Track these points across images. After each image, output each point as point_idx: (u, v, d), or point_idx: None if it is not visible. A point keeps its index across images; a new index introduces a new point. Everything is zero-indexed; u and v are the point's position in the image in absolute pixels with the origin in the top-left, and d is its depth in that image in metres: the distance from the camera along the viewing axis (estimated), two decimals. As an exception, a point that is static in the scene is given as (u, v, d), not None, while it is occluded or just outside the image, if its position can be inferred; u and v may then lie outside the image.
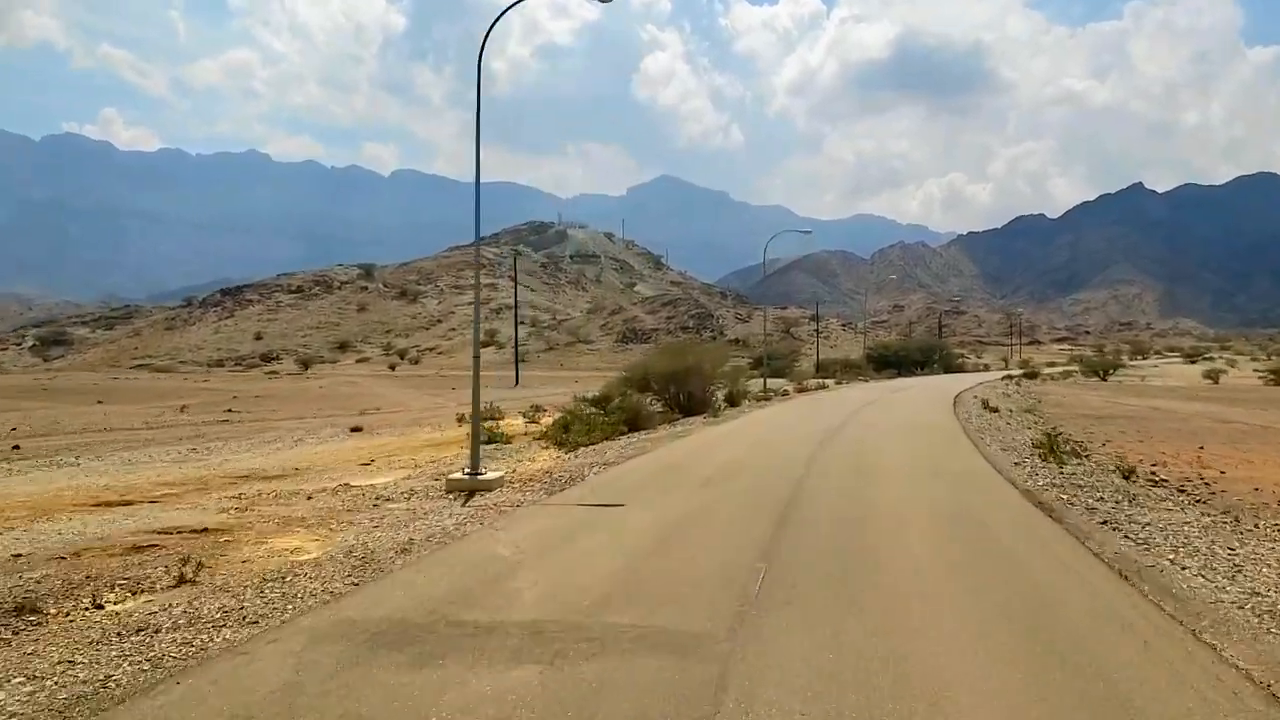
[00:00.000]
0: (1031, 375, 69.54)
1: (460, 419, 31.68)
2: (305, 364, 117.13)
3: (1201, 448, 21.36)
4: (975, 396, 41.64)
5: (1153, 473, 16.06)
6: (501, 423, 32.13)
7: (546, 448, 21.84)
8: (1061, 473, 15.59)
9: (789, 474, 14.71)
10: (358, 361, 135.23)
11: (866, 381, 64.52)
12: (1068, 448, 19.59)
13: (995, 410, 31.66)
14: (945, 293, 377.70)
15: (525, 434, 24.77)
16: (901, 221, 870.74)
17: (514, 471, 16.26)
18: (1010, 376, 68.41)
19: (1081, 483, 14.40)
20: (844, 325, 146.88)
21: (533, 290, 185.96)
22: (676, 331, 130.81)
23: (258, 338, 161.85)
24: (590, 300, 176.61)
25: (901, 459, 17.23)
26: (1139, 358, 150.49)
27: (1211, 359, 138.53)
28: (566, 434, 22.26)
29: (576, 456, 18.71)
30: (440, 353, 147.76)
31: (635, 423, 26.08)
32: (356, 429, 27.37)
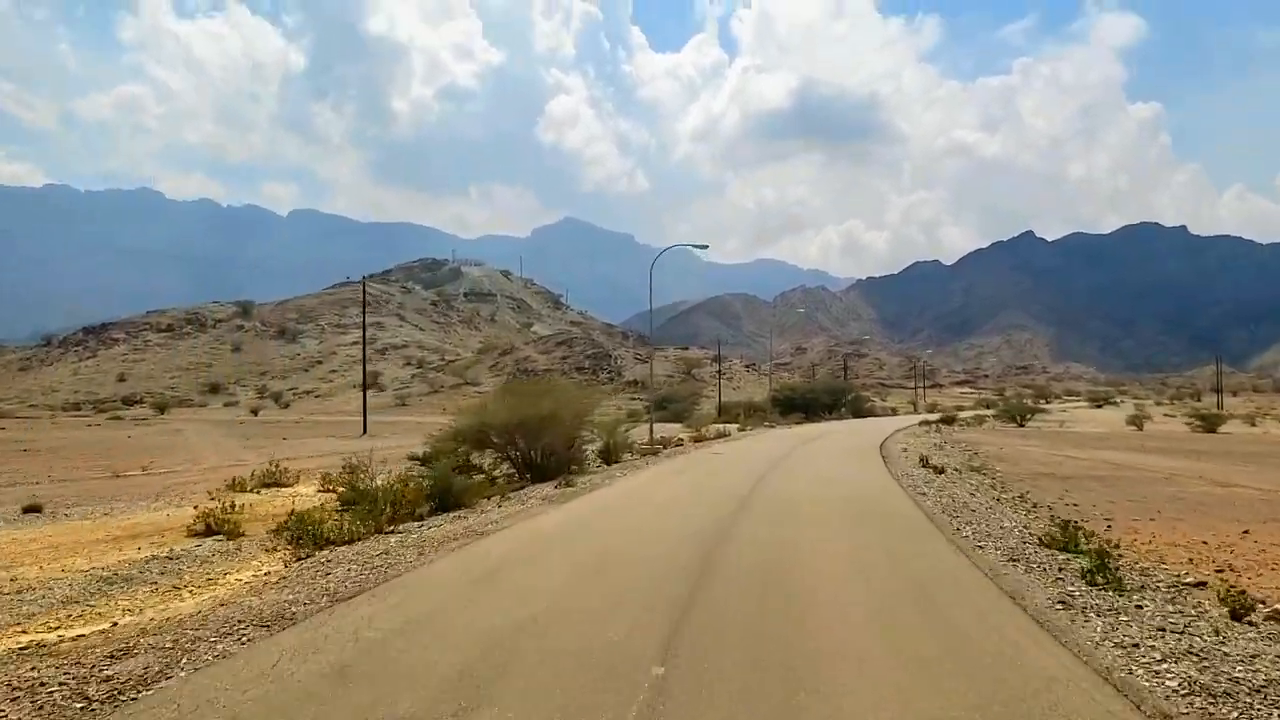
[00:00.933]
0: (948, 420, 63.51)
1: (232, 484, 22.89)
2: (162, 408, 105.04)
3: (1246, 531, 14.68)
4: (904, 449, 34.51)
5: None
6: (285, 491, 23.50)
7: (276, 548, 13.48)
8: (1138, 611, 8.02)
9: (632, 656, 6.67)
10: (225, 405, 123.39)
11: (772, 427, 57.35)
12: (1081, 538, 12.18)
13: (939, 470, 24.33)
14: (845, 336, 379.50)
15: (283, 516, 16.26)
16: (803, 267, 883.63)
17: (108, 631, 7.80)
18: (928, 422, 62.35)
19: (1200, 647, 6.83)
20: (747, 366, 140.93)
21: (421, 329, 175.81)
22: (571, 372, 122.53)
23: (121, 379, 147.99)
24: (483, 340, 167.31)
25: (855, 592, 9.17)
26: (1042, 402, 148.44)
27: (1115, 403, 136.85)
28: (339, 519, 13.78)
29: (285, 583, 10.38)
30: (317, 396, 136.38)
31: (448, 497, 17.81)
32: (33, 509, 18.32)
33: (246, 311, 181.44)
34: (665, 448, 33.86)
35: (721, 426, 55.44)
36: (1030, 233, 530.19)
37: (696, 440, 40.44)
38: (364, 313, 68.97)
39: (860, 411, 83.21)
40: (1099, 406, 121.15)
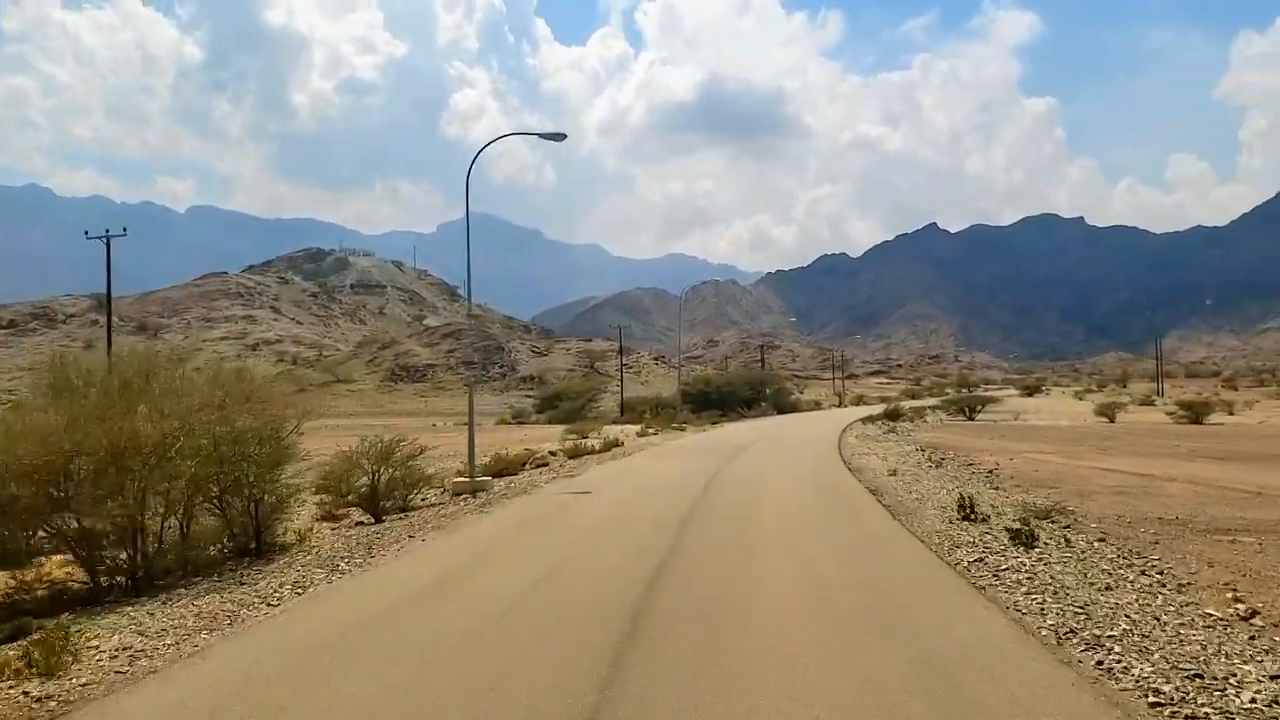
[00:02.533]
0: (894, 415, 52.06)
1: None
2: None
3: None
4: (891, 470, 22.31)
5: None
6: None
7: None
8: None
9: None
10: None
11: (683, 430, 44.83)
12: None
13: (977, 516, 12.08)
14: (757, 329, 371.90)
15: None
16: (712, 261, 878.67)
17: None
18: (871, 419, 50.92)
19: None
20: (657, 359, 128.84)
21: (299, 323, 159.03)
22: (458, 367, 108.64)
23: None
24: (370, 334, 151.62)
25: None
26: (964, 390, 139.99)
27: (1044, 391, 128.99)
28: None
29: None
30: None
31: None
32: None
33: (102, 305, 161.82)
34: (507, 475, 21.03)
35: (619, 431, 42.80)
36: (934, 225, 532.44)
37: (574, 455, 27.60)
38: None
39: (784, 406, 71.67)
40: (1030, 395, 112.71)
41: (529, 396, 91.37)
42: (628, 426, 51.05)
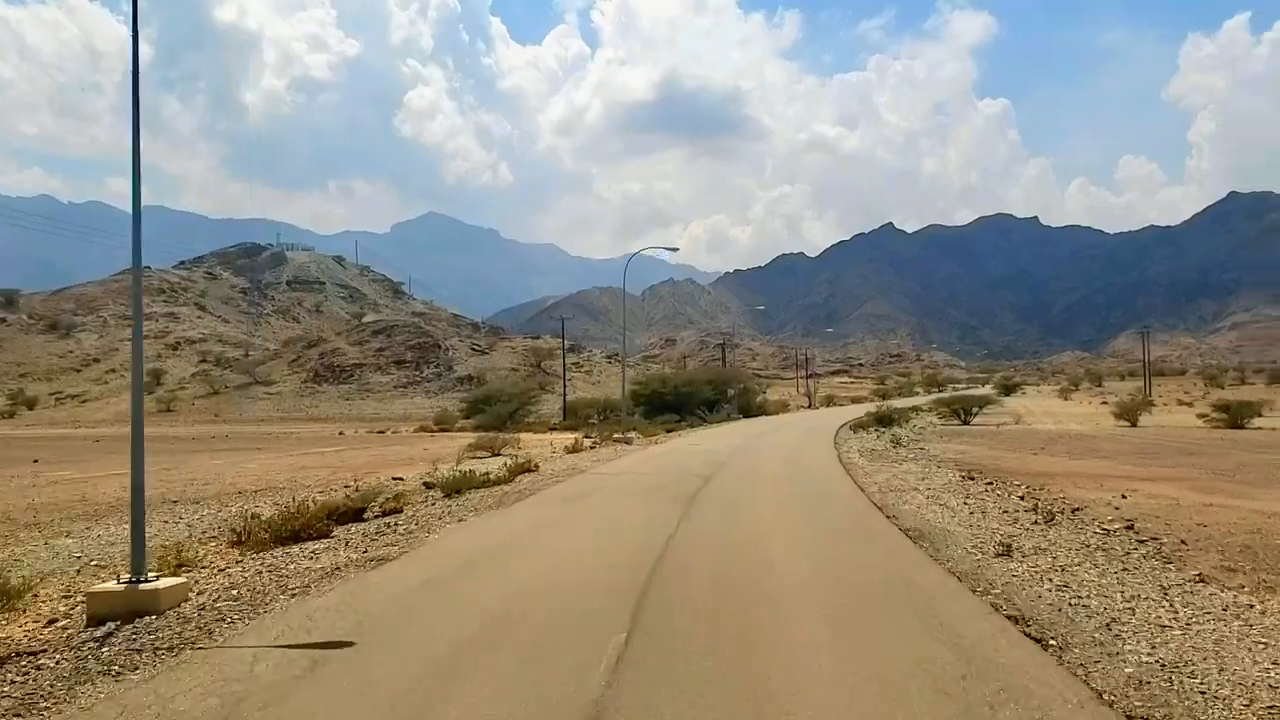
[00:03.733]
0: (886, 421, 42.47)
1: None
2: None
3: None
4: (931, 500, 12.39)
5: None
6: None
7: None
8: None
9: None
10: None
11: (627, 442, 34.57)
12: None
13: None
14: (715, 328, 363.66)
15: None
16: (671, 261, 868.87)
17: None
18: (861, 424, 41.33)
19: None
20: (609, 358, 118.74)
21: (226, 321, 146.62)
22: (388, 367, 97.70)
23: None
24: (304, 332, 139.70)
25: None
26: (935, 390, 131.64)
27: (1022, 391, 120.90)
28: None
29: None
30: (86, 400, 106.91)
31: None
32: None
33: (11, 301, 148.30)
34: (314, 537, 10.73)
35: (547, 443, 32.74)
36: (890, 225, 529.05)
37: (451, 490, 17.42)
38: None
39: (750, 408, 61.97)
40: (1009, 393, 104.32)
41: (455, 398, 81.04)
42: (565, 436, 40.97)
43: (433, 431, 56.71)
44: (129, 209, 9.49)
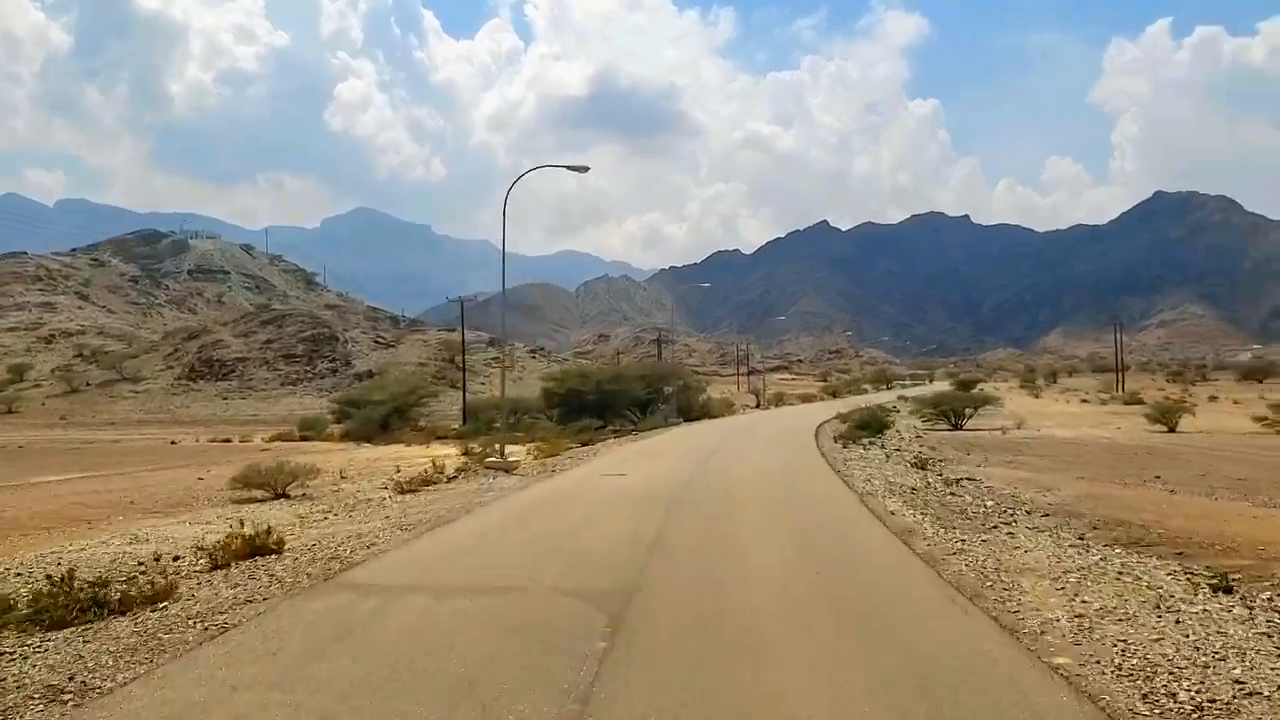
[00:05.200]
0: (876, 426, 31.39)
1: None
2: None
3: None
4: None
5: None
6: None
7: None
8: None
9: None
10: None
11: (506, 470, 22.57)
12: None
13: None
14: (651, 325, 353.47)
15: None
16: (606, 258, 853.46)
17: None
18: (844, 436, 30.16)
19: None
20: (534, 353, 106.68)
21: (110, 311, 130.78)
22: (276, 361, 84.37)
23: None
24: (195, 324, 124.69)
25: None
26: (884, 387, 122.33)
27: (981, 387, 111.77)
28: None
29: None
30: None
31: None
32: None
33: None
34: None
35: (408, 463, 20.86)
36: (825, 222, 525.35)
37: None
38: None
39: (691, 409, 50.57)
40: (966, 389, 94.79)
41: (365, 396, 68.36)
42: (449, 450, 29.22)
43: (293, 439, 44.36)
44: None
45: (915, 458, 21.12)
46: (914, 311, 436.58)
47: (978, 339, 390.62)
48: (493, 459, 20.99)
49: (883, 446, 25.83)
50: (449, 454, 27.54)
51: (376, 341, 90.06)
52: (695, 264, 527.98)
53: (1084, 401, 68.89)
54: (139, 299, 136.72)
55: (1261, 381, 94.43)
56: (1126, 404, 65.03)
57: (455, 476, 20.54)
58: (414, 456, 28.92)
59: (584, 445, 30.02)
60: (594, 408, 40.67)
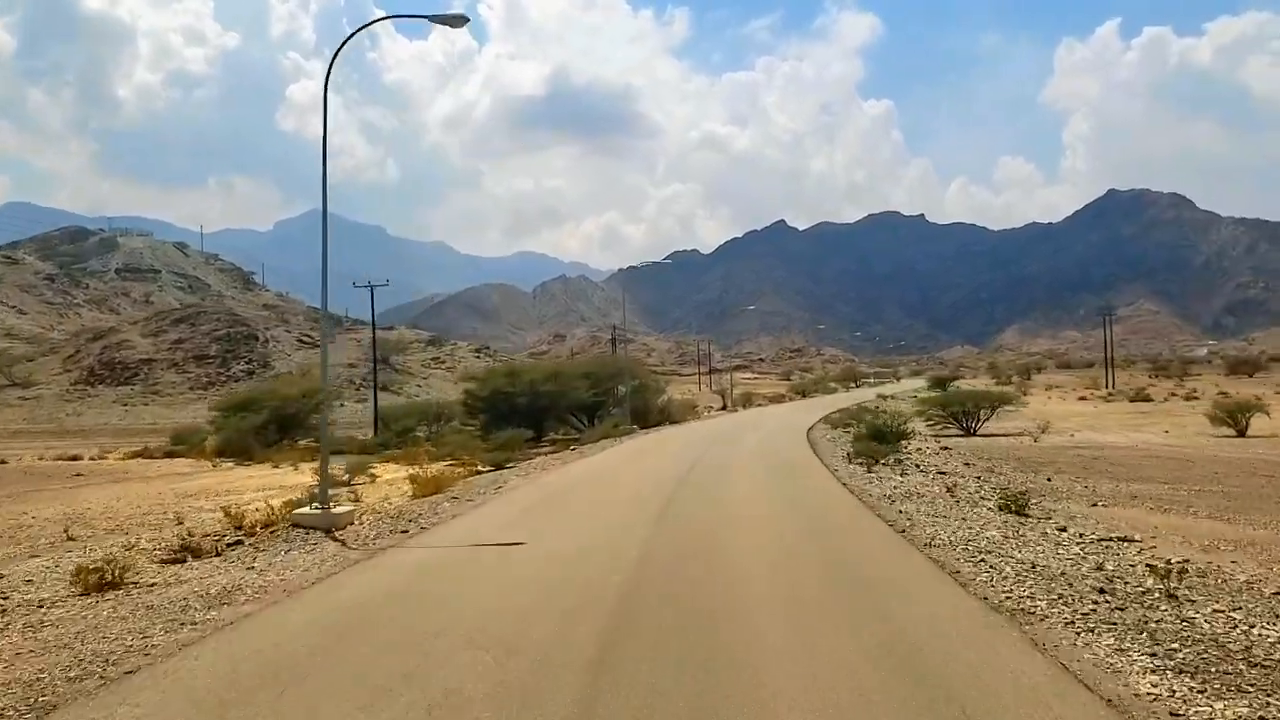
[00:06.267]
0: (896, 436, 23.37)
1: None
2: None
3: None
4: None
5: None
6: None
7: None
8: None
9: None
10: None
11: (328, 533, 14.47)
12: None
13: None
14: (609, 325, 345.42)
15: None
16: (564, 259, 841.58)
17: None
18: (856, 455, 22.20)
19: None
20: (478, 352, 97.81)
21: (22, 312, 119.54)
22: (186, 363, 74.77)
23: None
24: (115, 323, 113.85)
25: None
26: (851, 385, 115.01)
27: (957, 384, 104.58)
28: None
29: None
30: None
31: None
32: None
33: None
34: None
35: (238, 491, 12.35)
36: (782, 222, 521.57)
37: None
38: None
39: (647, 413, 42.16)
40: (942, 387, 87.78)
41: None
42: (307, 478, 20.75)
43: (158, 455, 35.42)
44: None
45: (1000, 495, 13.03)
46: (871, 310, 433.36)
47: (934, 337, 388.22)
48: (307, 509, 12.52)
49: (920, 468, 17.89)
50: (304, 483, 19.17)
51: (302, 341, 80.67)
52: (653, 263, 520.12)
53: (1082, 399, 61.81)
54: (55, 299, 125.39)
55: (1251, 375, 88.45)
56: (1132, 400, 58.09)
57: (254, 533, 12.12)
58: (268, 485, 20.55)
59: (497, 468, 21.66)
60: (526, 413, 32.32)
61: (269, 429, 37.40)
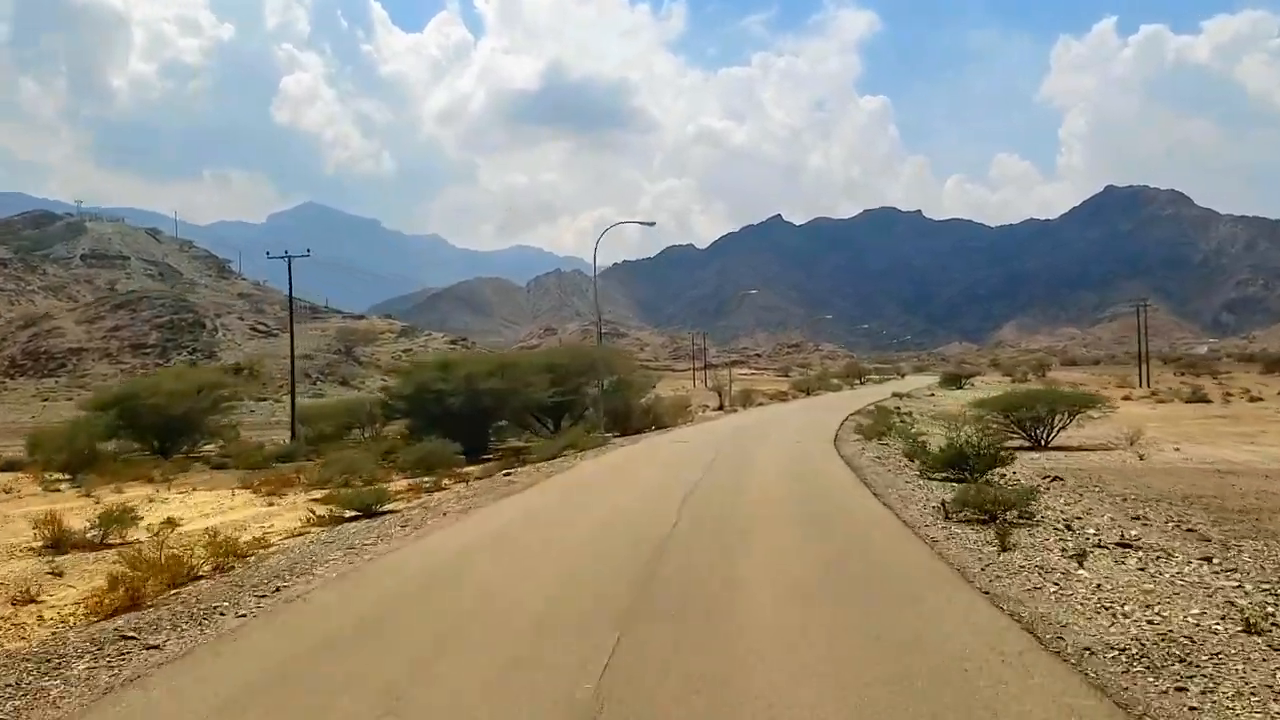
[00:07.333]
0: (982, 461, 15.40)
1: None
2: None
3: None
4: None
5: None
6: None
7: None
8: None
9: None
10: None
11: None
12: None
13: None
14: (603, 319, 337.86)
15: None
16: (559, 253, 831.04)
17: None
18: (978, 507, 14.04)
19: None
20: (454, 344, 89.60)
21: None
22: (121, 352, 66.40)
23: None
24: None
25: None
26: (856, 382, 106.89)
27: (971, 383, 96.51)
28: None
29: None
30: None
31: None
32: None
33: None
34: None
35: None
36: (779, 216, 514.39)
37: None
38: None
39: (628, 414, 33.86)
40: (958, 386, 79.93)
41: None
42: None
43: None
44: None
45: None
46: (868, 305, 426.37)
47: (931, 332, 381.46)
48: None
49: (1069, 528, 9.64)
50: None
51: (255, 330, 72.22)
52: (649, 258, 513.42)
53: (1125, 399, 53.68)
54: (9, 285, 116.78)
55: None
56: (1187, 402, 50.03)
57: None
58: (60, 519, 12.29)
59: (364, 513, 13.32)
60: (464, 417, 24.13)
61: (148, 433, 29.07)
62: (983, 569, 8.24)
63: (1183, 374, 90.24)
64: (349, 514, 13.58)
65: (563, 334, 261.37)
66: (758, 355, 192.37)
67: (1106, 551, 9.10)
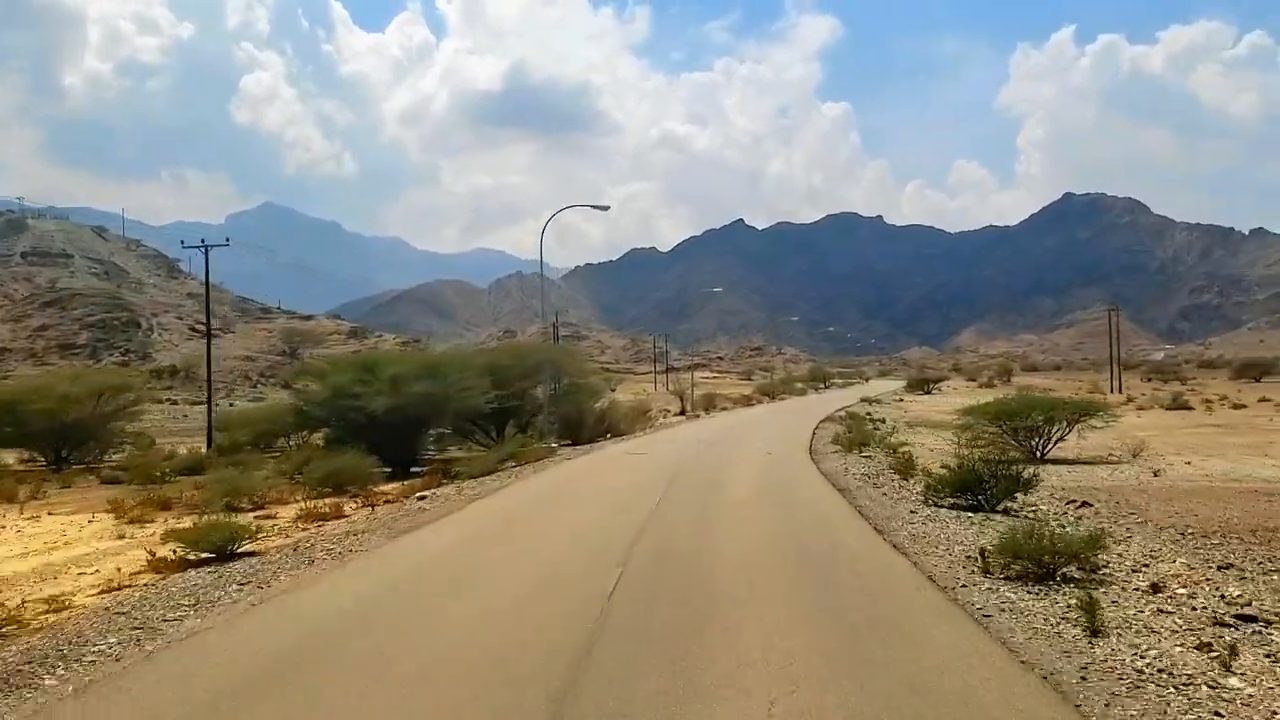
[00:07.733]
0: (1001, 486, 12.58)
1: None
2: None
3: None
4: None
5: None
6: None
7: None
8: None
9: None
10: None
11: None
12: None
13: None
14: (565, 322, 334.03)
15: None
16: (521, 256, 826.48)
17: None
18: (1054, 568, 11.13)
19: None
20: (405, 344, 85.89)
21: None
22: (47, 353, 61.93)
23: None
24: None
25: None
26: (821, 386, 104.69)
27: (937, 389, 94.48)
28: None
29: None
30: None
31: None
32: None
33: None
34: None
35: None
36: (741, 221, 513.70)
37: None
38: None
39: (580, 421, 30.72)
40: (927, 392, 77.74)
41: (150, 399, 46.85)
42: None
43: None
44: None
45: None
46: (829, 310, 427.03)
47: (892, 337, 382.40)
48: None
49: (1142, 591, 6.91)
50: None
51: (195, 330, 68.02)
52: (611, 261, 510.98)
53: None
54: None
55: (1259, 380, 79.31)
56: (1168, 409, 47.97)
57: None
58: None
59: (215, 554, 10.09)
60: (390, 425, 20.89)
61: (39, 442, 25.45)
62: (1082, 678, 5.27)
63: (1149, 379, 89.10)
64: (200, 555, 10.38)
65: (523, 336, 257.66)
66: (720, 358, 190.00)
67: (1236, 633, 6.19)
